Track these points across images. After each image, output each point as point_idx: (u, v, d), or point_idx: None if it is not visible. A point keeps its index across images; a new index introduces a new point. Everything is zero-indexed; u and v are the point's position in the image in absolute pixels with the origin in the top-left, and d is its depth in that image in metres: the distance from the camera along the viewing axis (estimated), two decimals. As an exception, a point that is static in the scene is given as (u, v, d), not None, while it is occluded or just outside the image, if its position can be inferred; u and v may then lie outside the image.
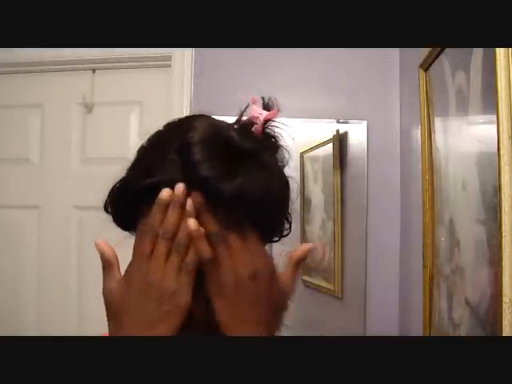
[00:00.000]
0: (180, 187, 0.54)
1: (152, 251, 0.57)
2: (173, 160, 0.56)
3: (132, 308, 0.57)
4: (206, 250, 0.55)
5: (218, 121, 0.62)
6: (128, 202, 0.59)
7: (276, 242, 0.65)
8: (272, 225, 0.62)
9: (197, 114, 0.65)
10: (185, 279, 0.55)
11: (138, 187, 0.57)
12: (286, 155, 0.63)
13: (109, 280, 0.59)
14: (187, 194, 0.55)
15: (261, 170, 0.57)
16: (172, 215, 0.55)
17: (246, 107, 0.62)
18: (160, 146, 0.60)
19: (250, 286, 0.56)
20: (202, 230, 0.55)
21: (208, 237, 0.55)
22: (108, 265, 0.60)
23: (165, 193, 0.55)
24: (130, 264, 0.59)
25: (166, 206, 0.55)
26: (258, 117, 0.61)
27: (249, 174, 0.55)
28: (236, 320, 0.56)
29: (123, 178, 0.61)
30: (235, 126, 0.59)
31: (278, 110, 0.62)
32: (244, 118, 0.61)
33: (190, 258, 0.55)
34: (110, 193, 0.62)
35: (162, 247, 0.56)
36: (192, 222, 0.54)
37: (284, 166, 0.64)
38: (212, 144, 0.56)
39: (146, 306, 0.56)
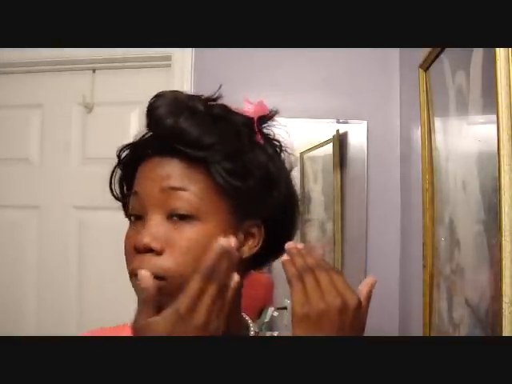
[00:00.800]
0: (232, 241, 0.54)
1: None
2: (146, 129, 0.65)
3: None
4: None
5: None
6: (121, 173, 0.67)
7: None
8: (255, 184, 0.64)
9: None
10: (219, 307, 0.54)
11: (119, 157, 0.67)
12: (289, 157, 0.68)
13: (142, 317, 0.55)
14: (158, 154, 0.62)
15: (228, 131, 0.63)
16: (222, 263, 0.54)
17: (217, 90, 0.68)
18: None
19: (337, 319, 0.56)
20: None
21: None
22: (148, 299, 0.56)
23: (224, 243, 0.54)
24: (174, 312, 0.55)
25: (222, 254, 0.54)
26: (248, 111, 0.66)
27: (206, 119, 0.62)
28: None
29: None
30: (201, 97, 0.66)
31: (265, 107, 0.67)
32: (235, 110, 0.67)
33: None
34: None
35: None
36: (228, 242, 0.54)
37: (291, 169, 0.68)
38: (177, 105, 0.62)
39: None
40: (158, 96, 0.63)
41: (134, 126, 2.01)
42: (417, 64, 1.41)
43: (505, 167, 0.84)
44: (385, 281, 1.77)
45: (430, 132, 1.36)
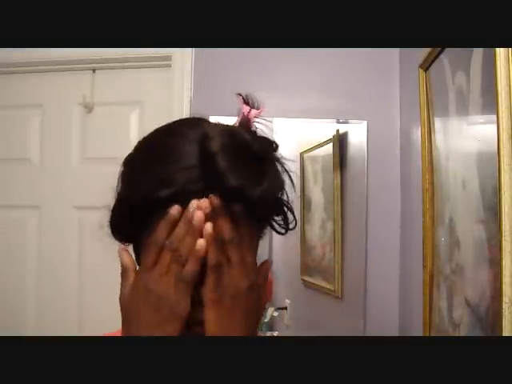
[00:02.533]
0: (193, 204, 0.55)
1: (156, 262, 0.58)
2: (190, 168, 0.56)
3: (135, 313, 0.59)
4: (214, 257, 0.56)
5: (224, 124, 0.63)
6: (139, 212, 0.59)
7: (284, 234, 0.68)
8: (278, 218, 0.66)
9: (187, 117, 0.67)
10: (183, 289, 0.57)
11: (154, 197, 0.56)
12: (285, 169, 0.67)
13: (123, 286, 0.61)
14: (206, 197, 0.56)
15: (276, 172, 0.61)
16: (180, 229, 0.56)
17: (241, 117, 0.65)
18: (164, 153, 0.59)
19: (246, 297, 0.58)
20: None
21: (218, 244, 0.57)
22: (125, 271, 0.61)
23: (174, 210, 0.56)
24: (137, 273, 0.61)
25: (175, 221, 0.56)
26: (248, 115, 0.65)
27: (270, 178, 0.58)
28: (225, 331, 0.57)
29: (127, 189, 0.61)
30: (243, 128, 0.63)
31: (262, 108, 0.66)
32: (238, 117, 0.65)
33: (190, 267, 0.56)
34: (114, 206, 0.63)
35: (165, 259, 0.57)
36: (209, 227, 0.55)
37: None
38: (234, 151, 0.57)
39: (146, 312, 0.57)
40: (214, 139, 0.57)
41: (134, 126, 2.01)
42: (417, 64, 1.41)
43: (505, 167, 0.84)
44: (385, 281, 1.78)
45: (429, 132, 1.36)
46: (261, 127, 0.66)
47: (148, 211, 0.58)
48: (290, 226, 0.67)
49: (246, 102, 0.66)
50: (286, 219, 0.66)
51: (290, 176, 0.64)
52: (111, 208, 0.63)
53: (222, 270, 0.57)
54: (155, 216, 0.57)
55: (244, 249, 0.58)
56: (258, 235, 0.65)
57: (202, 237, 0.56)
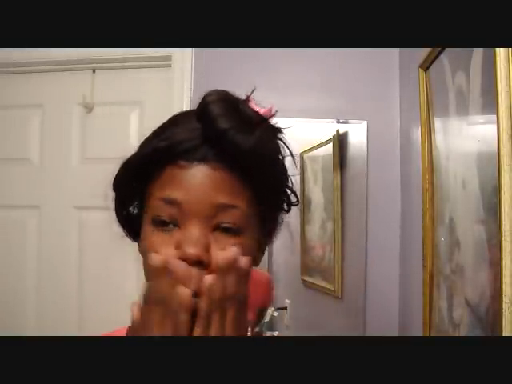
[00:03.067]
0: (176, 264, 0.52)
1: (148, 321, 0.54)
2: (190, 126, 0.59)
3: None
4: (206, 309, 0.53)
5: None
6: (139, 166, 0.61)
7: (287, 212, 0.68)
8: (278, 192, 0.65)
9: None
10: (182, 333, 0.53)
11: (152, 149, 0.59)
12: (286, 146, 0.67)
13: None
14: (204, 159, 0.57)
15: (272, 136, 0.62)
16: (166, 284, 0.52)
17: (251, 93, 0.66)
18: (170, 123, 0.63)
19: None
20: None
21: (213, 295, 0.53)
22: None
23: (156, 261, 0.52)
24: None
25: (159, 271, 0.52)
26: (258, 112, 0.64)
27: (263, 135, 0.59)
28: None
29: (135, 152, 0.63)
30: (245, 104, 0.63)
31: (273, 111, 0.65)
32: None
33: (183, 320, 0.52)
34: (120, 165, 0.64)
35: (156, 315, 0.53)
36: (209, 280, 0.52)
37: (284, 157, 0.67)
38: (228, 102, 0.59)
39: None
40: (211, 95, 0.60)
41: (134, 126, 2.01)
42: (417, 64, 1.41)
43: (505, 167, 0.84)
44: (385, 281, 1.78)
45: (429, 132, 1.36)
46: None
47: (148, 166, 0.60)
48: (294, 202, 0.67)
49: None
50: (285, 193, 0.66)
51: (290, 150, 0.65)
52: (115, 174, 0.64)
53: (211, 320, 0.53)
54: (154, 173, 0.59)
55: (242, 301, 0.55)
56: (263, 242, 0.64)
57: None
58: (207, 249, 0.57)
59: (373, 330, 1.75)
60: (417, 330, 1.43)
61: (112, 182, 0.65)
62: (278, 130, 0.65)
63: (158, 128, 0.63)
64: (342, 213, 1.85)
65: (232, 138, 0.56)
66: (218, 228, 0.58)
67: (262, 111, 0.64)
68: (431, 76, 1.34)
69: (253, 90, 0.65)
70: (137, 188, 0.63)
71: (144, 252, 0.59)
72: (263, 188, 0.60)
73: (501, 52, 0.85)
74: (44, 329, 1.97)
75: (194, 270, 0.53)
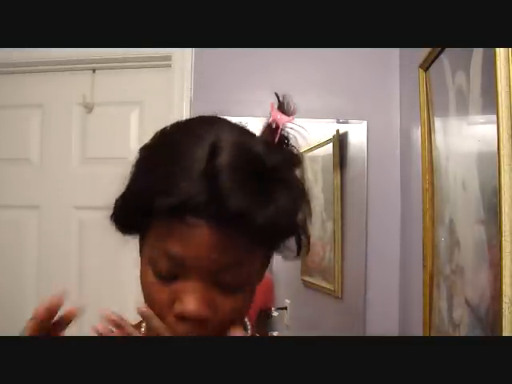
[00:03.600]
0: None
1: None
2: (196, 179, 0.52)
3: None
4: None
5: (242, 131, 0.60)
6: (139, 214, 0.57)
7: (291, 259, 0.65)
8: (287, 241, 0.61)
9: (208, 115, 0.62)
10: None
11: (161, 204, 0.53)
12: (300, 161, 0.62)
13: None
14: (212, 218, 0.53)
15: (289, 191, 0.55)
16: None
17: (268, 125, 0.60)
18: (175, 156, 0.56)
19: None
20: None
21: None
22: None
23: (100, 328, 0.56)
24: None
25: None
26: (277, 121, 0.59)
27: (279, 200, 0.53)
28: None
29: (133, 184, 0.59)
30: (262, 139, 0.57)
31: (295, 113, 0.62)
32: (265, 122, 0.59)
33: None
34: (118, 199, 0.61)
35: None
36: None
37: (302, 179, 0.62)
38: (241, 169, 0.53)
39: None
40: (222, 152, 0.53)
41: (134, 126, 2.01)
42: (417, 64, 1.41)
43: (505, 167, 0.84)
44: (385, 281, 1.78)
45: (429, 132, 1.36)
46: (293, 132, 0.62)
47: (148, 213, 0.55)
48: (302, 251, 0.63)
49: (280, 106, 0.60)
50: (298, 243, 0.62)
51: (307, 197, 0.60)
52: (116, 198, 0.61)
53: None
54: (155, 220, 0.56)
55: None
56: (266, 259, 0.63)
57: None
58: (207, 304, 0.56)
59: (373, 330, 1.75)
60: (417, 330, 1.43)
61: (110, 216, 0.62)
62: (297, 164, 0.60)
63: (161, 159, 0.57)
64: (342, 213, 1.84)
65: (246, 216, 0.51)
66: (220, 283, 0.56)
67: (282, 121, 0.59)
68: (431, 76, 1.34)
69: (270, 115, 0.60)
70: (135, 224, 0.60)
71: (142, 289, 0.60)
72: (274, 246, 0.59)
73: (501, 52, 0.84)
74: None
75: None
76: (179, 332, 0.56)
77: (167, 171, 0.55)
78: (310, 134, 0.64)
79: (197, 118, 0.63)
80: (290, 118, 0.61)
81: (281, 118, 0.60)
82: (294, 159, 0.59)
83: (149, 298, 0.58)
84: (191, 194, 0.52)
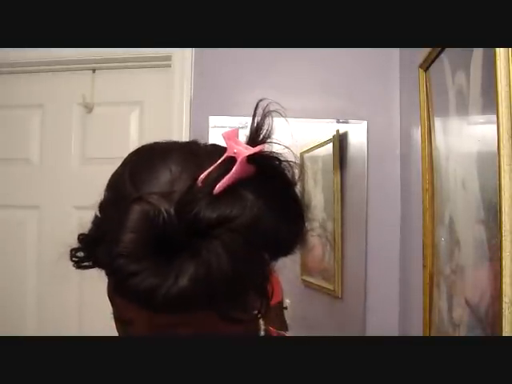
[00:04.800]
0: None
1: None
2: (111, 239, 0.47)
3: None
4: None
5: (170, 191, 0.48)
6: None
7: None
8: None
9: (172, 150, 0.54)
10: None
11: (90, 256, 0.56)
12: (293, 174, 0.51)
13: None
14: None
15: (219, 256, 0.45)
16: None
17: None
18: (116, 203, 0.52)
19: None
20: None
21: None
22: None
23: None
24: None
25: None
26: (236, 155, 0.47)
27: (194, 270, 0.44)
28: None
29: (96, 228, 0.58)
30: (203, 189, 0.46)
31: (267, 138, 0.48)
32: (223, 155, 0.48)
33: None
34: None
35: None
36: None
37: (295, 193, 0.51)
38: (143, 237, 0.45)
39: None
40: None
41: (134, 126, 2.01)
42: (417, 64, 1.41)
43: (505, 167, 0.84)
44: (385, 281, 1.78)
45: (429, 132, 1.36)
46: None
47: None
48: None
49: (253, 131, 0.47)
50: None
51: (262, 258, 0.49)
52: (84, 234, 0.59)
53: None
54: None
55: None
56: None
57: None
58: None
59: (373, 330, 1.75)
60: (417, 330, 1.43)
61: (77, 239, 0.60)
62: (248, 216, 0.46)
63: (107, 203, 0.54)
64: (342, 213, 1.84)
65: (152, 296, 0.44)
66: None
67: (243, 153, 0.46)
68: (431, 76, 1.34)
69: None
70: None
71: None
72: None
73: (501, 52, 0.84)
74: (44, 329, 1.97)
75: None
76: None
77: (108, 217, 0.53)
78: (296, 162, 0.51)
79: (158, 155, 0.55)
80: (256, 148, 0.47)
81: (241, 150, 0.46)
82: (237, 213, 0.45)
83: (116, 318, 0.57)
84: (105, 255, 0.49)
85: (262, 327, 0.69)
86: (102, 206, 0.56)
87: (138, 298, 0.45)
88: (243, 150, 0.46)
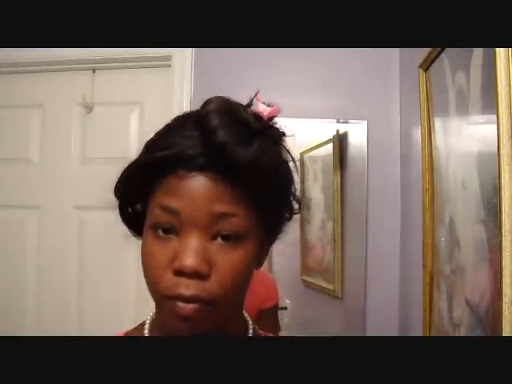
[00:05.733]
0: None
1: None
2: (190, 135, 0.58)
3: None
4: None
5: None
6: (141, 175, 0.60)
7: (289, 219, 0.67)
8: (280, 202, 0.64)
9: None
10: None
11: (153, 158, 0.58)
12: (288, 152, 0.65)
13: None
14: (203, 168, 0.57)
15: (272, 145, 0.60)
16: None
17: (254, 97, 0.64)
18: (175, 126, 0.62)
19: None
20: None
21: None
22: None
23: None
24: None
25: None
26: (263, 112, 0.63)
27: (263, 146, 0.57)
28: None
29: (137, 158, 0.62)
30: (247, 109, 0.62)
31: (279, 110, 0.64)
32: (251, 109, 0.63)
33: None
34: (122, 172, 0.63)
35: None
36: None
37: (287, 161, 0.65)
38: (228, 113, 0.58)
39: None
40: (212, 102, 0.60)
41: (134, 126, 2.01)
42: (417, 64, 1.41)
43: (505, 167, 0.84)
44: (385, 281, 1.78)
45: (429, 132, 1.36)
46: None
47: (149, 175, 0.59)
48: (296, 211, 0.66)
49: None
50: (288, 201, 0.65)
51: (292, 156, 0.64)
52: (119, 175, 0.63)
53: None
54: (156, 181, 0.59)
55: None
56: (264, 237, 0.63)
57: None
58: (206, 259, 0.56)
59: (373, 330, 1.75)
60: (417, 330, 1.43)
61: (114, 189, 0.64)
62: (280, 136, 0.64)
63: (162, 131, 0.63)
64: (342, 213, 1.84)
65: (230, 151, 0.55)
66: (218, 236, 0.57)
67: (266, 111, 0.63)
68: (431, 76, 1.34)
69: (257, 93, 0.64)
70: (139, 195, 0.63)
71: (143, 255, 0.60)
72: (265, 196, 0.60)
73: (501, 52, 0.85)
74: (44, 329, 1.97)
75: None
76: (180, 293, 0.55)
77: (165, 135, 0.61)
78: (294, 133, 0.66)
79: None
80: (274, 109, 0.64)
81: (265, 108, 0.63)
82: (278, 134, 0.63)
83: (149, 260, 0.58)
84: (183, 146, 0.57)
85: (251, 326, 0.69)
86: (158, 133, 0.63)
87: (220, 148, 0.55)
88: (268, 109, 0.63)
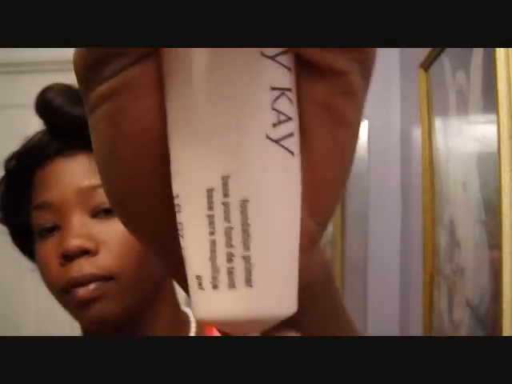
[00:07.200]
0: None
1: None
2: (36, 132, 0.58)
3: None
4: None
5: None
6: (9, 191, 0.61)
7: None
8: None
9: None
10: None
11: (10, 166, 0.60)
12: None
13: None
14: (57, 152, 0.56)
15: None
16: None
17: None
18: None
19: None
20: None
21: None
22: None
23: None
24: None
25: None
26: None
27: None
28: None
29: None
30: None
31: None
32: None
33: None
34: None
35: None
36: None
37: None
38: (67, 90, 0.58)
39: None
40: (49, 88, 0.59)
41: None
42: (417, 64, 1.41)
43: (505, 167, 0.84)
44: (385, 281, 1.78)
45: (430, 132, 1.36)
46: None
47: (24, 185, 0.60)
48: None
49: None
50: None
51: None
52: None
53: None
54: (32, 189, 0.59)
55: None
56: None
57: None
58: (88, 236, 0.55)
59: (373, 330, 1.75)
60: (417, 330, 1.43)
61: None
62: None
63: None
64: (342, 213, 1.84)
65: (67, 110, 0.56)
66: (98, 212, 0.56)
67: None
68: (431, 76, 1.34)
69: None
70: (22, 208, 0.62)
71: (39, 266, 0.61)
72: None
73: (501, 52, 0.84)
74: (43, 329, 1.97)
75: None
76: (72, 276, 0.55)
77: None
78: None
79: None
80: None
81: None
82: None
83: (42, 267, 0.60)
84: (32, 144, 0.59)
85: (193, 324, 0.66)
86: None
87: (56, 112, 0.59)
88: None
